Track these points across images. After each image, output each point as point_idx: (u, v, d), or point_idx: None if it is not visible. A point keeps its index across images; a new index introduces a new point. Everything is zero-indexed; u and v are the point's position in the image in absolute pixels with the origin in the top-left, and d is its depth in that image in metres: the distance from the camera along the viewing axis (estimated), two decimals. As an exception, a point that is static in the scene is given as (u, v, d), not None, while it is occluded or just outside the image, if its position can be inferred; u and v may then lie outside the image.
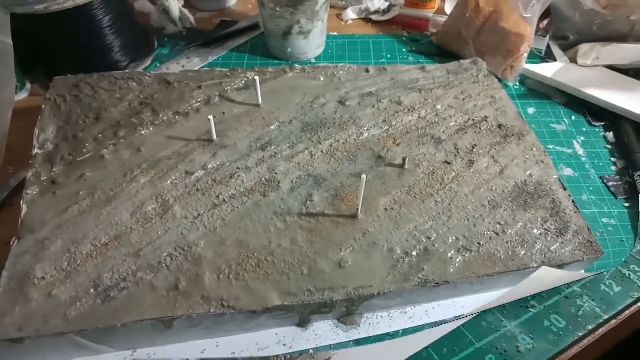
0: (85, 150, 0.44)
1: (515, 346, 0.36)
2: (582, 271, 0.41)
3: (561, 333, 0.37)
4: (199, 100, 0.50)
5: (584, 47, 0.61)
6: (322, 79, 0.54)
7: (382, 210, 0.41)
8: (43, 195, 0.41)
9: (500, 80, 0.59)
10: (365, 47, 0.68)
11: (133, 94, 0.50)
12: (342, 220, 0.40)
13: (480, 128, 0.49)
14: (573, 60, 0.62)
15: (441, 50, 0.67)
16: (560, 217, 0.42)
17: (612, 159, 0.52)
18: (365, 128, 0.49)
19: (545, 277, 0.38)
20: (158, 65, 0.63)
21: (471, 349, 0.36)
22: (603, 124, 0.56)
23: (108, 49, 0.57)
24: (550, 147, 0.53)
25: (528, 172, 0.45)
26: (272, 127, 0.48)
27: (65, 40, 0.55)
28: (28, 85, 0.58)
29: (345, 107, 0.51)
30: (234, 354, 0.35)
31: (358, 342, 0.36)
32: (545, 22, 0.69)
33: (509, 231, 0.40)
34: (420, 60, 0.66)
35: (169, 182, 0.42)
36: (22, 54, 0.51)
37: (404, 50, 0.67)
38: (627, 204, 0.47)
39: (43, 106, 0.48)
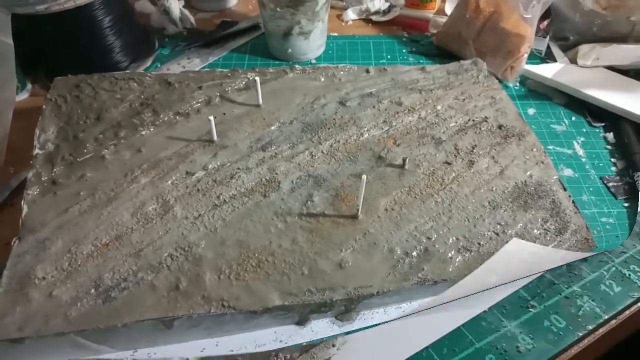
0: (85, 151, 0.44)
1: (515, 346, 0.36)
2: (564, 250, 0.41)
3: (561, 333, 0.37)
4: (200, 100, 0.50)
5: (584, 48, 0.61)
6: (323, 79, 0.54)
7: (382, 211, 0.41)
8: (44, 195, 0.41)
9: (500, 81, 0.59)
10: (366, 47, 0.68)
11: (134, 95, 0.50)
12: (342, 220, 0.40)
13: (480, 128, 0.50)
14: (573, 60, 0.62)
15: (441, 50, 0.67)
16: (560, 217, 0.42)
17: (612, 160, 0.52)
18: (366, 128, 0.49)
19: (520, 252, 0.38)
20: (158, 65, 0.63)
21: (471, 349, 0.36)
22: (603, 124, 0.56)
23: (109, 49, 0.57)
24: (550, 147, 0.53)
25: (528, 173, 0.45)
26: (273, 128, 0.48)
27: (66, 41, 0.55)
28: (29, 86, 0.58)
29: (345, 107, 0.51)
30: (232, 351, 0.35)
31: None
32: (546, 22, 0.69)
33: (509, 231, 0.40)
34: (421, 61, 0.66)
35: (169, 182, 0.42)
36: (22, 55, 0.51)
37: (404, 50, 0.67)
38: (626, 204, 0.47)
39: (44, 106, 0.48)
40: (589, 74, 0.60)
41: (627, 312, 0.38)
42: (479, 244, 0.39)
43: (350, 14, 0.74)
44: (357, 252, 0.38)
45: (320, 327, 0.36)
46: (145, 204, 0.40)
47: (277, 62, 0.64)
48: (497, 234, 0.40)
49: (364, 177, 0.38)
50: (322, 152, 0.46)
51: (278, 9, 0.58)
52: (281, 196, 0.42)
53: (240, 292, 0.35)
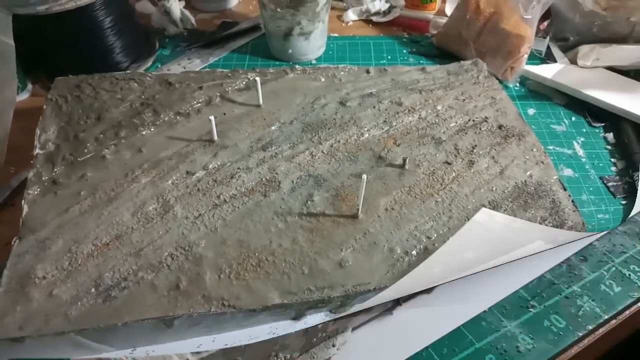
0: (86, 151, 0.45)
1: (515, 346, 0.36)
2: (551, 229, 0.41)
3: (561, 333, 0.37)
4: (200, 100, 0.50)
5: (584, 49, 0.61)
6: (323, 79, 0.54)
7: (382, 210, 0.41)
8: (44, 195, 0.41)
9: (500, 81, 0.59)
10: (366, 48, 0.68)
11: (134, 95, 0.50)
12: (342, 220, 0.40)
13: (480, 129, 0.50)
14: (573, 61, 0.62)
15: (441, 51, 0.67)
16: (558, 216, 0.42)
17: (612, 160, 0.52)
18: (366, 128, 0.49)
19: (490, 222, 0.38)
20: (159, 66, 0.63)
21: (471, 349, 0.36)
22: (603, 124, 0.56)
23: (109, 49, 0.57)
24: (550, 147, 0.53)
25: (528, 173, 0.45)
26: (273, 128, 0.48)
27: (67, 41, 0.55)
28: (29, 86, 0.58)
29: (345, 107, 0.51)
30: (226, 345, 0.35)
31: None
32: (546, 23, 0.69)
33: (509, 231, 0.40)
34: (421, 62, 0.66)
35: (169, 182, 0.42)
36: (23, 55, 0.52)
37: (404, 51, 0.68)
38: (624, 202, 0.48)
39: (44, 106, 0.48)
40: (589, 75, 0.60)
41: (627, 312, 0.38)
42: (479, 243, 0.39)
43: (351, 15, 0.74)
44: (357, 252, 0.38)
45: (315, 320, 0.36)
46: (145, 204, 0.40)
47: (277, 63, 0.64)
48: (497, 234, 0.40)
49: (364, 176, 0.38)
50: (322, 152, 0.46)
51: (278, 10, 0.58)
52: (281, 196, 0.42)
53: (240, 291, 0.35)
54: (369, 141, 0.48)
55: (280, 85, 0.53)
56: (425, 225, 0.40)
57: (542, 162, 0.47)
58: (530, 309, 0.38)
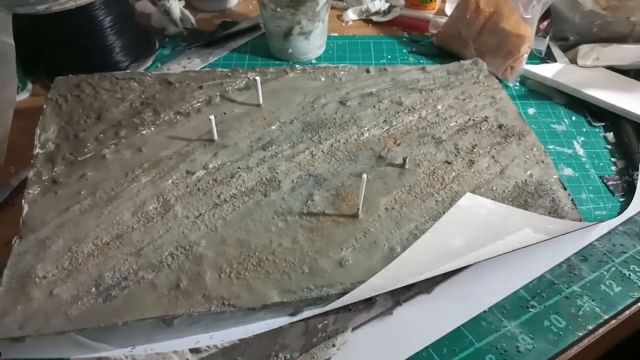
0: (86, 150, 0.45)
1: (515, 346, 0.36)
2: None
3: (561, 333, 0.37)
4: (200, 100, 0.50)
5: (584, 48, 0.61)
6: (323, 79, 0.54)
7: (382, 210, 0.41)
8: (44, 194, 0.41)
9: (500, 81, 0.59)
10: (366, 47, 0.68)
11: (134, 94, 0.50)
12: (342, 219, 0.40)
13: (480, 128, 0.50)
14: (573, 61, 0.62)
15: (441, 51, 0.67)
16: (557, 214, 0.42)
17: (612, 159, 0.52)
18: (366, 128, 0.49)
19: (477, 207, 0.38)
20: (159, 65, 0.63)
21: (471, 349, 0.36)
22: (603, 124, 0.56)
23: (109, 49, 0.57)
24: (551, 147, 0.53)
25: (528, 172, 0.45)
26: (273, 127, 0.48)
27: (67, 41, 0.55)
28: (29, 86, 0.58)
29: (345, 107, 0.51)
30: (222, 341, 0.35)
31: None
32: (546, 23, 0.69)
33: (509, 231, 0.40)
34: (421, 61, 0.66)
35: (170, 181, 0.42)
36: (23, 54, 0.52)
37: (404, 50, 0.68)
38: (622, 199, 0.48)
39: (44, 106, 0.48)
40: (589, 74, 0.60)
41: (627, 312, 0.38)
42: (479, 243, 0.39)
43: (351, 15, 0.74)
44: (357, 251, 0.38)
45: (308, 314, 0.36)
46: (145, 203, 0.40)
47: (277, 62, 0.64)
48: (497, 234, 0.40)
49: (365, 176, 0.38)
50: (322, 151, 0.46)
51: (278, 9, 0.58)
52: (282, 195, 0.42)
53: (240, 290, 0.35)
54: (369, 141, 0.48)
55: (280, 85, 0.53)
56: (425, 224, 0.40)
57: (542, 162, 0.47)
58: (530, 309, 0.38)
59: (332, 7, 0.73)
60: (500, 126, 0.50)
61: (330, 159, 0.45)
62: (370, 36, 0.70)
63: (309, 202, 0.41)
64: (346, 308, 0.36)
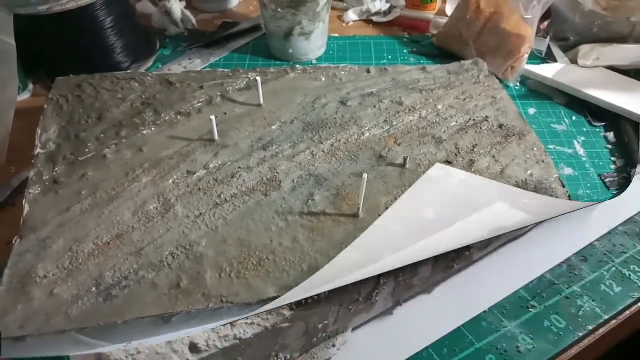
0: (87, 150, 0.45)
1: (515, 346, 0.36)
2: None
3: (561, 333, 0.36)
4: (201, 100, 0.50)
5: (584, 48, 0.61)
6: (323, 79, 0.54)
7: (383, 209, 0.41)
8: (45, 194, 0.41)
9: (500, 81, 0.59)
10: (366, 48, 0.68)
11: (135, 94, 0.50)
12: (343, 219, 0.40)
13: (480, 128, 0.50)
14: (573, 60, 0.62)
15: (442, 51, 0.67)
16: None
17: (612, 158, 0.52)
18: (366, 128, 0.49)
19: (447, 178, 0.39)
20: (160, 66, 0.63)
21: (471, 349, 0.36)
22: (603, 123, 0.56)
23: (110, 49, 0.58)
24: (551, 146, 0.53)
25: (528, 172, 0.45)
26: (274, 127, 0.48)
27: (68, 41, 0.55)
28: (30, 86, 0.58)
29: (346, 107, 0.51)
30: (213, 330, 0.35)
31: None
32: (546, 23, 0.69)
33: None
34: (421, 61, 0.66)
35: (170, 181, 0.42)
36: (24, 55, 0.52)
37: (404, 51, 0.68)
38: (615, 192, 0.48)
39: (45, 106, 0.48)
40: (589, 74, 0.60)
41: (627, 312, 0.38)
42: (479, 243, 0.39)
43: (351, 15, 0.74)
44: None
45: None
46: (146, 203, 0.41)
47: (278, 62, 0.64)
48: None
49: (365, 175, 0.38)
50: (322, 151, 0.46)
51: (279, 10, 0.58)
52: (282, 195, 0.42)
53: (240, 289, 0.35)
54: (369, 140, 0.48)
55: (280, 85, 0.53)
56: (425, 224, 0.40)
57: (543, 161, 0.47)
58: (530, 309, 0.38)
59: (333, 8, 0.73)
60: (500, 126, 0.50)
61: (330, 158, 0.45)
62: (370, 36, 0.71)
63: (310, 201, 0.41)
64: (346, 308, 0.36)
